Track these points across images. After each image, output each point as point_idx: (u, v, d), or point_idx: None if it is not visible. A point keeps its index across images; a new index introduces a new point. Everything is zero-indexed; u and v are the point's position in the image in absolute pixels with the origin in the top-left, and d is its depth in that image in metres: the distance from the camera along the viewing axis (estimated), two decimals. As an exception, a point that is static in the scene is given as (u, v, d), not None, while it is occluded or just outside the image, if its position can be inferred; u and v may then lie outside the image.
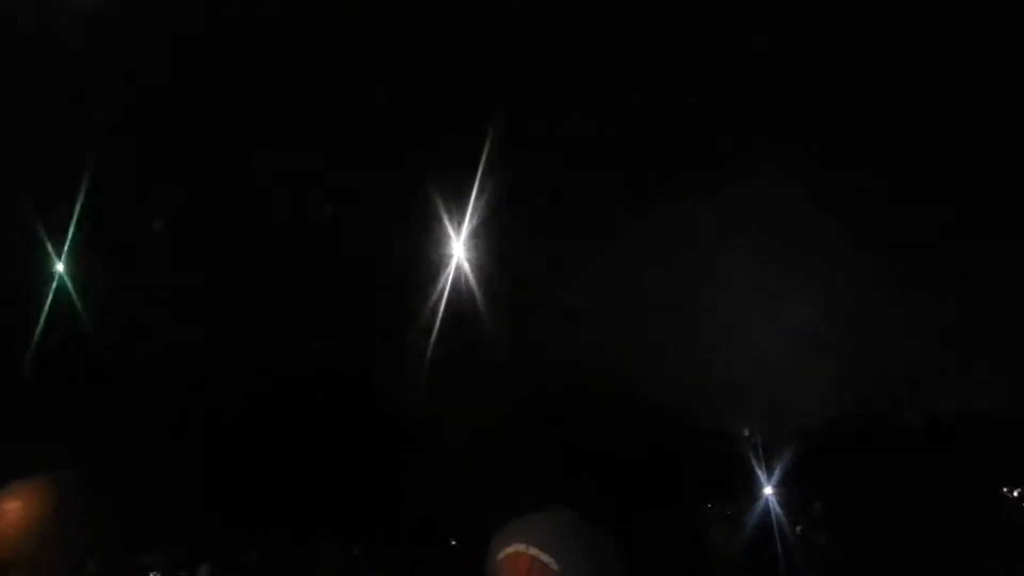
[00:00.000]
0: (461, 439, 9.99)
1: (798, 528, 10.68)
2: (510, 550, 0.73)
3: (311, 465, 8.75)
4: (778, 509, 10.78)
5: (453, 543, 9.21)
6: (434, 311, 8.16)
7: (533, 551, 0.71)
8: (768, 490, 11.14)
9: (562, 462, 9.25)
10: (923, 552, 9.15)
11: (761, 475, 11.12)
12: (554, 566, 0.71)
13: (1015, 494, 12.31)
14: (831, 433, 10.88)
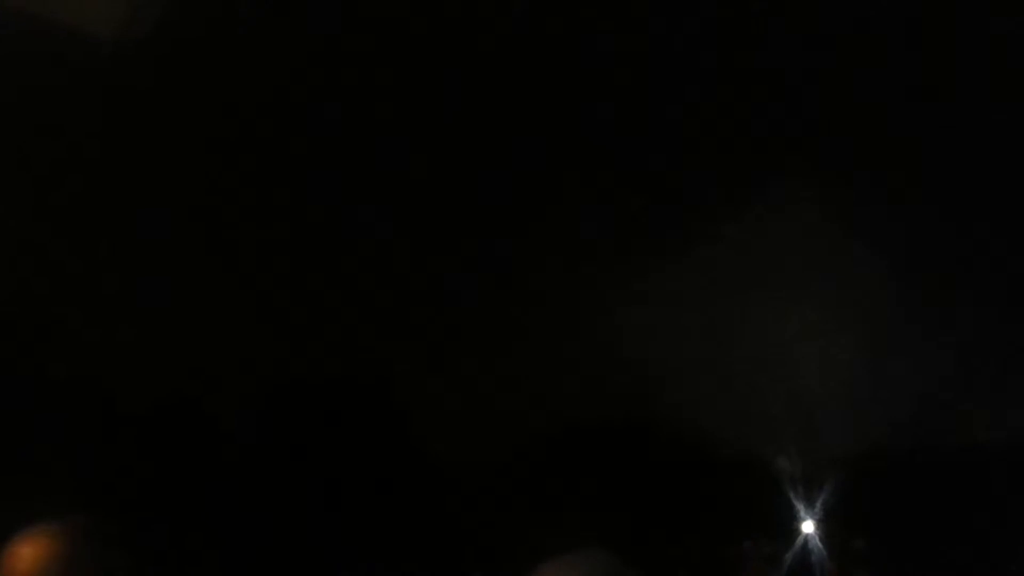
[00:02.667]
0: (485, 465, 9.73)
1: (836, 566, 10.26)
2: None
3: (330, 495, 8.52)
4: (819, 546, 10.33)
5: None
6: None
7: None
8: (807, 526, 10.69)
9: (593, 495, 8.91)
10: (972, 592, 8.72)
11: (800, 509, 10.67)
12: None
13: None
14: (873, 464, 10.43)
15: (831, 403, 8.21)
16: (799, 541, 9.56)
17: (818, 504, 9.39)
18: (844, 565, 9.49)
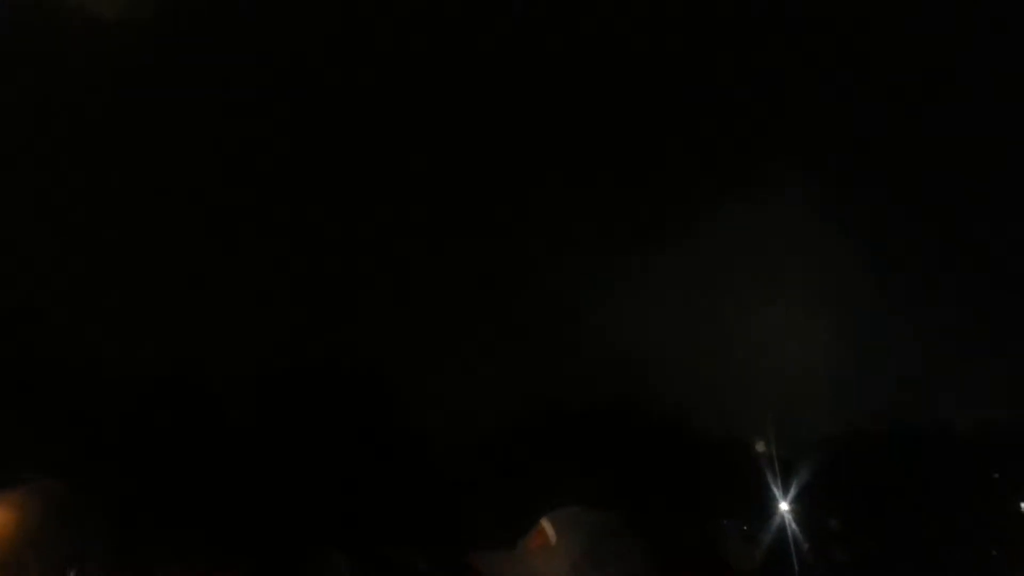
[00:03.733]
0: (474, 444, 10.01)
1: (812, 545, 10.55)
2: (536, 528, 0.77)
3: (314, 468, 8.75)
4: (794, 525, 10.66)
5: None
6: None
7: (545, 524, 0.76)
8: (784, 506, 11.01)
9: (578, 471, 9.17)
10: (942, 570, 9.03)
11: (776, 490, 11.01)
12: (552, 540, 0.75)
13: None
14: (847, 447, 10.77)
15: (808, 388, 8.53)
16: (776, 520, 9.84)
17: (794, 484, 9.67)
18: (820, 543, 9.76)
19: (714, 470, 9.16)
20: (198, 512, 7.81)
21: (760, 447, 9.77)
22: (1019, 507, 11.44)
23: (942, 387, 9.64)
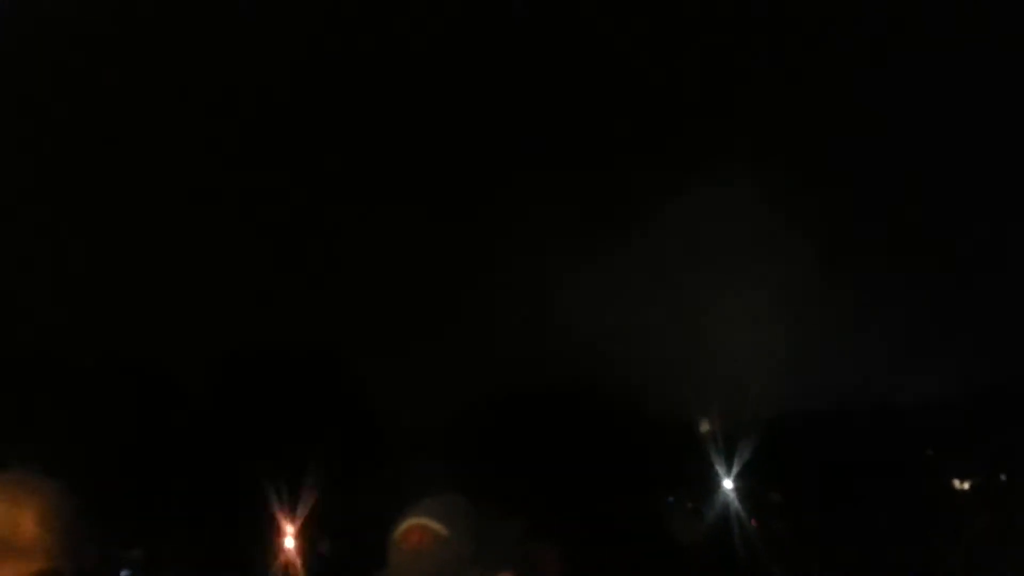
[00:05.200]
0: (423, 427, 10.16)
1: (756, 518, 10.91)
2: (405, 525, 0.80)
3: (284, 457, 8.87)
4: (736, 502, 11.00)
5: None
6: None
7: (424, 520, 0.79)
8: (727, 483, 11.37)
9: (522, 451, 9.40)
10: (879, 541, 9.43)
11: (720, 468, 11.36)
12: (444, 532, 0.77)
13: (965, 486, 12.71)
14: (788, 424, 11.16)
15: (750, 369, 8.85)
16: (720, 496, 10.17)
17: (737, 463, 10.02)
18: (762, 517, 10.10)
19: (660, 449, 9.45)
20: (157, 497, 7.89)
21: (705, 427, 10.10)
22: (951, 483, 11.96)
23: (880, 367, 10.05)
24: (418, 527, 0.79)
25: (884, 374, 9.85)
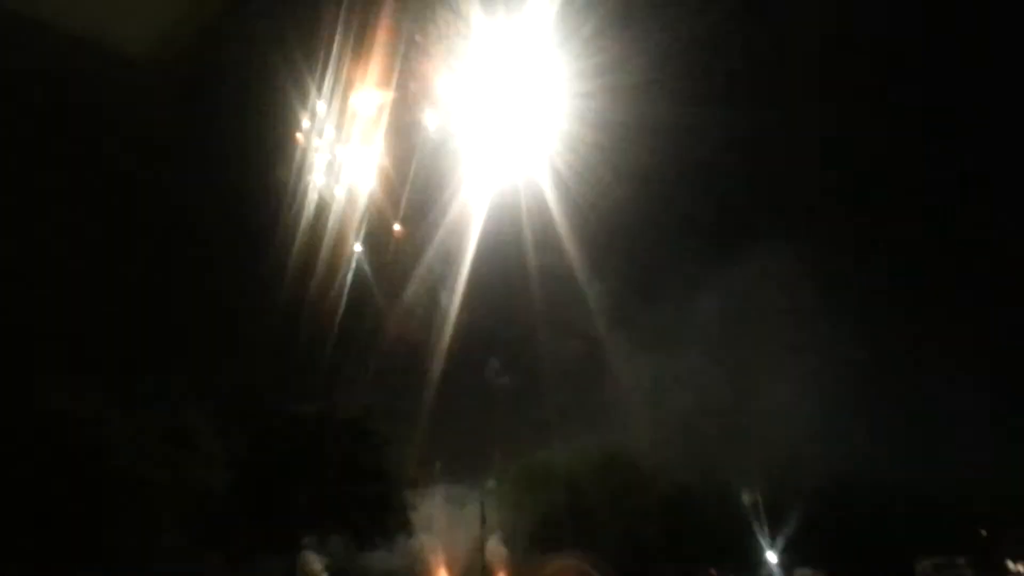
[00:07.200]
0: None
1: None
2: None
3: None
4: (780, 574, 10.97)
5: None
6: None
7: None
8: (771, 555, 11.30)
9: (569, 519, 9.63)
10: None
11: (763, 540, 11.30)
12: None
13: (1020, 569, 12.39)
14: (830, 501, 11.10)
15: (793, 446, 9.00)
16: (763, 570, 10.24)
17: (781, 536, 10.10)
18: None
19: (702, 521, 9.55)
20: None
21: (747, 500, 10.15)
22: (1005, 564, 11.74)
23: (923, 452, 10.12)
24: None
25: (930, 458, 9.87)
